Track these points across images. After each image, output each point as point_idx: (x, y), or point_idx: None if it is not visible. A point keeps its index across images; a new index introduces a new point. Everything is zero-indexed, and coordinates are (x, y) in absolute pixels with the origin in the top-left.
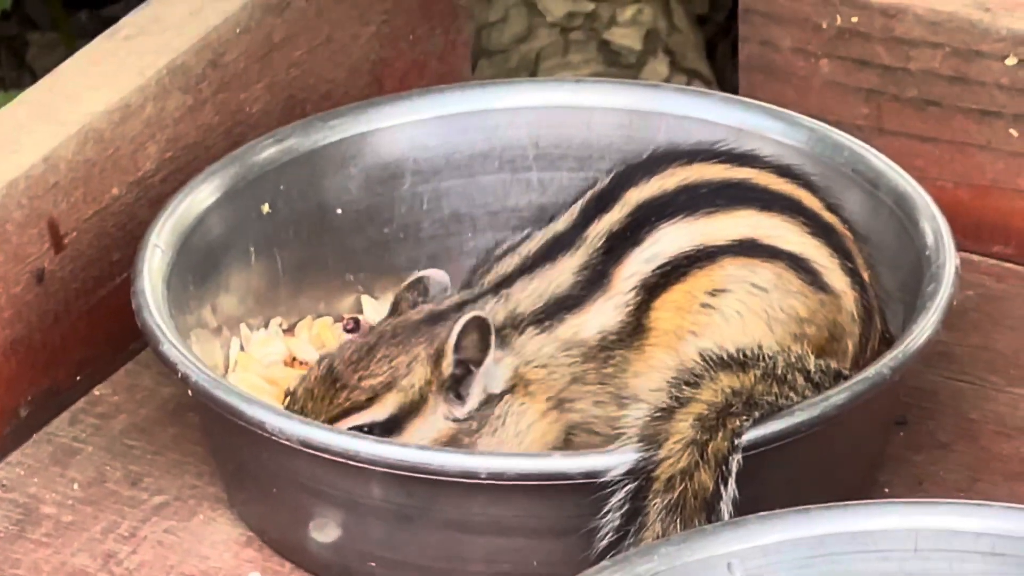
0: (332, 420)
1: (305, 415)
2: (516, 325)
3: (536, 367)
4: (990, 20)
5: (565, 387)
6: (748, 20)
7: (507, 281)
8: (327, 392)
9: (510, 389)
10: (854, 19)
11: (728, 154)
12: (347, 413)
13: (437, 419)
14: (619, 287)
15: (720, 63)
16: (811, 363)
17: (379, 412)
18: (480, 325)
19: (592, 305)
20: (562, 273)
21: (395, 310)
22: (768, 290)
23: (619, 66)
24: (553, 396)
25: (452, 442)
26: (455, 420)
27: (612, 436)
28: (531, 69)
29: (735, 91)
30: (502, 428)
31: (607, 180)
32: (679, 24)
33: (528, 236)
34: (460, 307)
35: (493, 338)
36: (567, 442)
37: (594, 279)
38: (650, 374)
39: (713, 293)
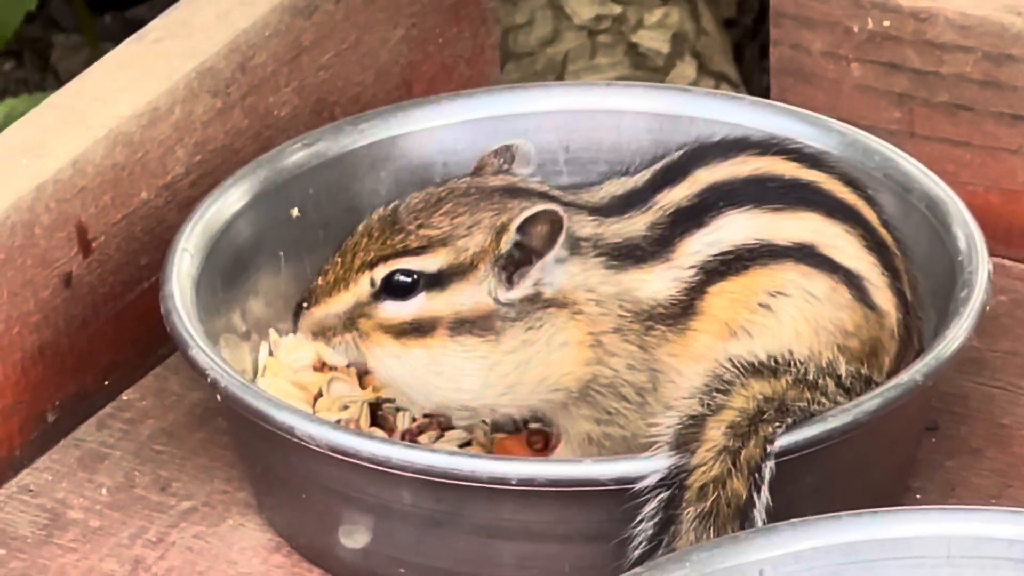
0: (383, 259)
1: (356, 251)
2: (596, 246)
3: (591, 300)
4: (1022, 24)
5: (608, 332)
6: (779, 24)
7: (604, 208)
8: (383, 232)
9: (560, 304)
10: (885, 23)
11: (800, 152)
12: (398, 255)
13: (481, 291)
14: (680, 261)
15: (747, 66)
16: (842, 368)
17: (429, 263)
18: (554, 220)
19: (655, 267)
20: (638, 223)
21: (476, 172)
22: (822, 301)
23: (646, 69)
24: (595, 334)
25: (484, 321)
26: (496, 300)
27: (639, 404)
28: (558, 72)
29: (762, 94)
30: (537, 331)
31: (677, 155)
32: (707, 27)
33: (613, 178)
34: (544, 196)
35: (563, 235)
36: (585, 399)
37: (661, 240)
38: (690, 357)
39: (773, 294)
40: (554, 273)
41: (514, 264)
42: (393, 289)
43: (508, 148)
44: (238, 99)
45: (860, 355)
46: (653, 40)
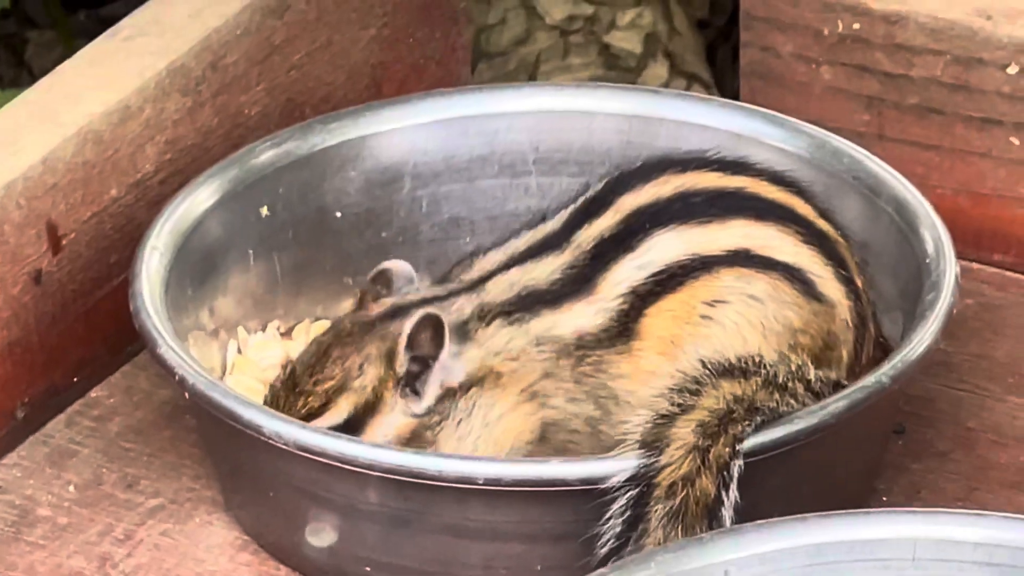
0: None
1: None
2: (483, 317)
3: (506, 359)
4: (992, 28)
5: (537, 380)
6: (749, 26)
7: (485, 278)
8: (287, 398)
9: (478, 382)
10: (856, 26)
11: (721, 162)
12: (305, 420)
13: (397, 416)
14: (604, 293)
15: (720, 67)
16: (811, 373)
17: (335, 416)
18: (433, 322)
19: (572, 305)
20: (543, 269)
21: (360, 304)
22: (763, 301)
23: (619, 69)
24: (526, 388)
25: (415, 437)
26: (415, 416)
27: (590, 434)
28: (530, 72)
29: (735, 95)
30: (468, 419)
31: (600, 186)
32: (679, 28)
33: (516, 235)
34: (423, 303)
35: (447, 333)
36: (544, 439)
37: (577, 280)
38: (639, 378)
39: (712, 304)
40: (452, 365)
41: (414, 376)
42: None
43: (383, 272)
44: (209, 98)
45: (815, 350)
46: (625, 40)
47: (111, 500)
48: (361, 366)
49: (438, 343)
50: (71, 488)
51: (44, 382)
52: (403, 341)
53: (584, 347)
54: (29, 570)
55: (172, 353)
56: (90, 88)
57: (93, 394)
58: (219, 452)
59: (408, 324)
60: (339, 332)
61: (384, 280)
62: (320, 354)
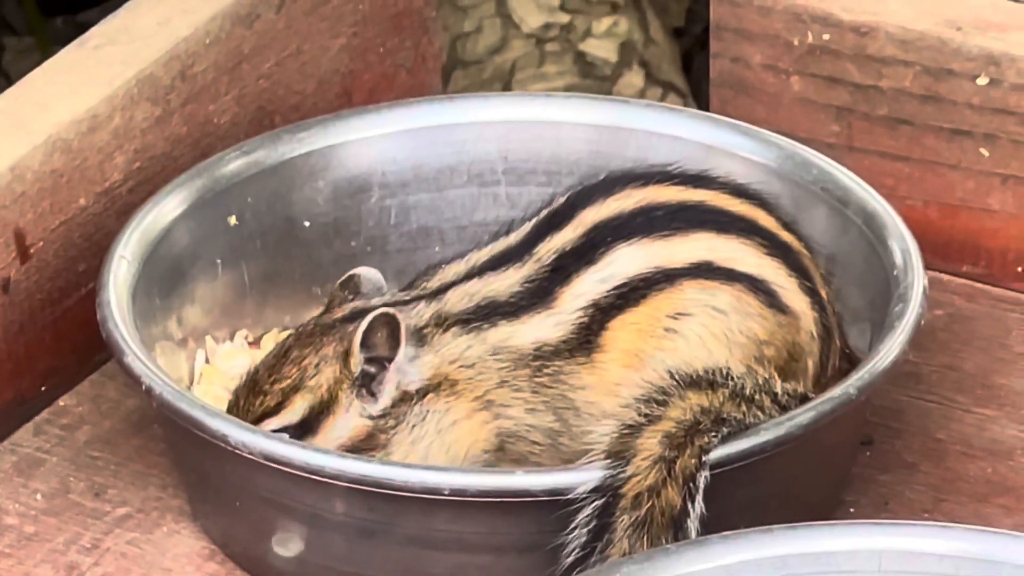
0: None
1: None
2: (440, 323)
3: (462, 367)
4: (961, 39)
5: (493, 389)
6: (719, 36)
7: (446, 287)
8: (247, 398)
9: (434, 388)
10: (825, 36)
11: (683, 175)
12: (261, 419)
13: (351, 417)
14: (564, 306)
15: (696, 75)
16: (778, 386)
17: (290, 415)
18: (389, 321)
19: (530, 317)
20: (503, 282)
21: (327, 308)
22: (727, 313)
23: (594, 77)
24: (481, 397)
25: (369, 440)
26: (370, 417)
27: (550, 446)
28: (506, 80)
29: (710, 103)
30: (421, 425)
31: (562, 200)
32: (655, 36)
33: (479, 247)
34: (382, 305)
35: (404, 333)
36: (502, 450)
37: (536, 293)
38: (602, 388)
39: (676, 317)
40: (409, 368)
41: (370, 377)
42: None
43: (352, 278)
44: (178, 106)
45: (779, 362)
46: (601, 49)
47: (78, 509)
48: (317, 365)
49: (394, 344)
50: (38, 497)
51: (11, 391)
52: (357, 339)
53: (542, 357)
54: None
55: (139, 363)
56: (59, 96)
57: (61, 403)
58: (186, 461)
59: (364, 322)
60: (300, 333)
61: (352, 286)
62: (280, 354)
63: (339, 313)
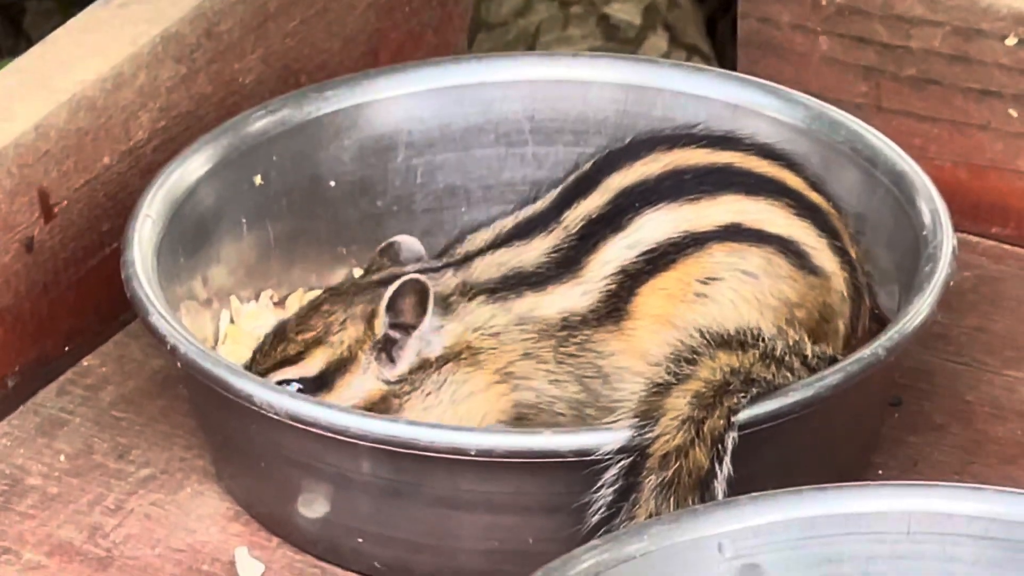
0: (266, 372)
1: (254, 364)
2: (466, 292)
3: (485, 336)
4: None
5: (516, 360)
6: None
7: (474, 254)
8: (272, 343)
9: (454, 357)
10: None
11: (709, 138)
12: (279, 366)
13: (368, 379)
14: (592, 274)
15: (720, 39)
16: (808, 348)
17: (308, 367)
18: (418, 288)
19: (557, 287)
20: (531, 252)
21: (366, 273)
22: (758, 276)
23: (618, 40)
24: (501, 368)
25: (382, 403)
26: (386, 382)
27: (575, 417)
28: (529, 43)
29: (734, 67)
30: (436, 393)
31: (589, 165)
32: None
33: (507, 214)
34: (414, 272)
35: (431, 302)
36: (520, 420)
37: (564, 263)
38: (632, 355)
39: (705, 282)
40: (432, 337)
41: (392, 342)
42: None
43: (392, 245)
44: (203, 65)
45: (811, 323)
46: (625, 12)
47: (102, 470)
48: (343, 322)
49: (420, 312)
50: (62, 458)
51: (35, 351)
52: (384, 301)
53: (569, 327)
54: (19, 540)
55: (164, 322)
56: (83, 55)
57: (85, 363)
58: (211, 422)
59: (392, 287)
60: (334, 290)
61: (391, 253)
62: (312, 307)
63: (375, 276)
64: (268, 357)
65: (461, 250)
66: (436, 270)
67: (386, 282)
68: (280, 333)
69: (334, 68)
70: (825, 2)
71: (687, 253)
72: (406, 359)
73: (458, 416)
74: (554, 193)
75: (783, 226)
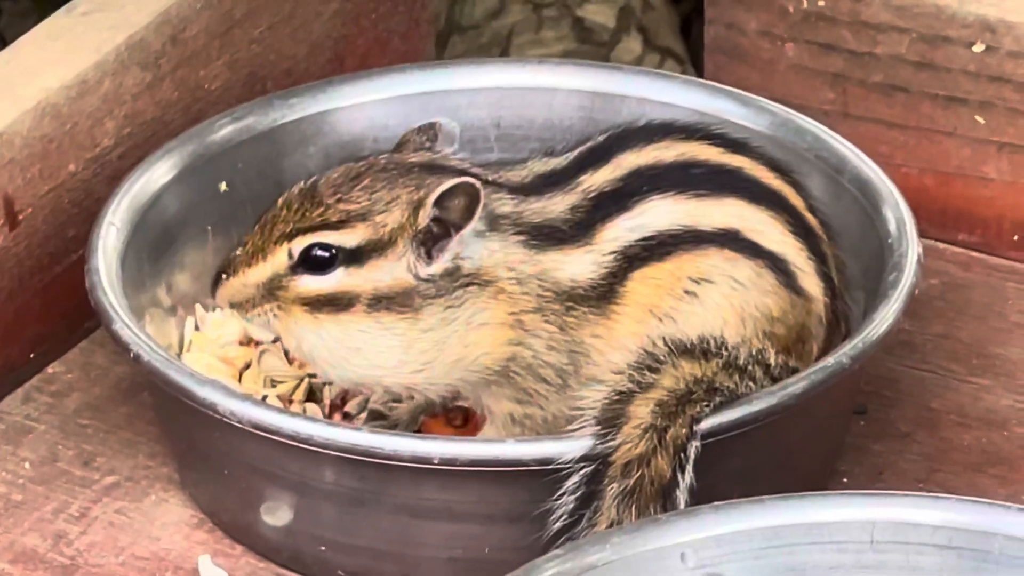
0: (301, 231)
1: (276, 223)
2: (515, 223)
3: (512, 280)
4: (957, 6)
5: (529, 312)
6: (714, 2)
7: (523, 189)
8: (303, 205)
9: (483, 282)
10: (821, 3)
11: (724, 138)
12: (316, 228)
13: (400, 267)
14: (600, 246)
15: (695, 42)
16: (772, 358)
17: (347, 238)
18: (471, 192)
19: (574, 250)
20: (559, 206)
21: (398, 148)
22: (747, 287)
23: (592, 43)
24: (516, 314)
25: (404, 297)
26: (416, 277)
27: (560, 387)
28: (503, 46)
29: None
30: (457, 308)
31: (601, 137)
32: (653, 2)
33: (535, 156)
34: (463, 172)
35: (480, 208)
36: (510, 379)
37: (582, 224)
38: (611, 342)
39: (698, 281)
40: (473, 247)
41: (433, 239)
42: (311, 263)
43: (431, 125)
44: (168, 72)
45: (787, 341)
46: (599, 14)
47: (67, 477)
48: (388, 203)
49: (467, 216)
50: (26, 465)
51: (0, 358)
52: (434, 195)
53: (573, 299)
54: None
55: (127, 330)
56: (48, 62)
57: (50, 370)
58: (175, 430)
59: (447, 183)
60: (373, 165)
61: (431, 134)
62: (350, 177)
63: (417, 158)
64: (303, 217)
65: (516, 175)
66: (493, 184)
67: (430, 168)
68: (312, 196)
69: (300, 75)
70: (792, 9)
71: (684, 248)
72: (444, 260)
73: (467, 341)
74: (571, 154)
75: (778, 243)
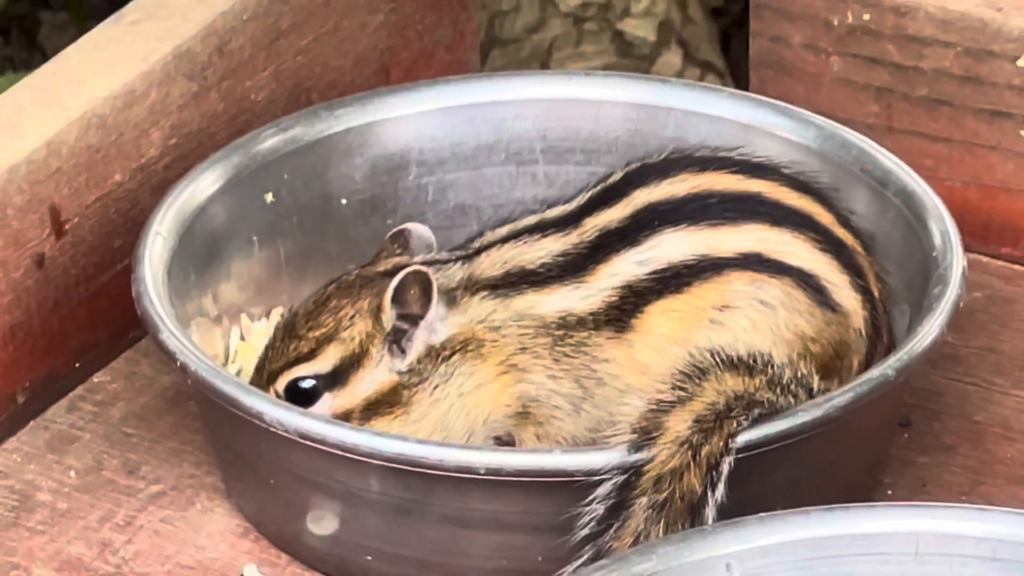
0: (280, 371)
1: (266, 362)
2: (471, 287)
3: (487, 329)
4: (1002, 20)
5: (516, 354)
6: (759, 16)
7: (482, 249)
8: (283, 340)
9: (460, 348)
10: (866, 16)
11: (743, 164)
12: (292, 364)
13: (380, 371)
14: (597, 283)
15: (735, 55)
16: (815, 382)
17: (321, 364)
18: (421, 279)
19: (558, 288)
20: (537, 251)
21: (375, 260)
22: (775, 307)
23: (632, 57)
24: (504, 361)
25: (393, 395)
26: (398, 373)
27: (572, 411)
28: (543, 59)
29: (748, 83)
30: (444, 386)
31: (619, 175)
32: (693, 15)
33: (531, 212)
34: (420, 263)
35: (435, 291)
36: (526, 414)
37: (569, 267)
38: (629, 366)
39: (721, 309)
40: (438, 327)
41: (402, 333)
42: (299, 397)
43: (402, 232)
44: (215, 83)
45: (824, 359)
46: (639, 28)
47: (112, 486)
48: (352, 317)
49: (425, 302)
50: (72, 474)
51: (45, 367)
52: (389, 294)
53: (566, 327)
54: (28, 556)
55: (174, 339)
56: (95, 72)
57: (95, 379)
58: (221, 439)
59: (396, 279)
60: (341, 283)
61: (402, 240)
62: (319, 302)
63: (381, 267)
64: (281, 355)
65: (472, 245)
66: (443, 262)
67: (391, 273)
68: (290, 330)
69: (345, 86)
70: (837, 22)
71: (703, 278)
72: (415, 348)
73: (467, 408)
74: (582, 198)
75: (805, 259)
